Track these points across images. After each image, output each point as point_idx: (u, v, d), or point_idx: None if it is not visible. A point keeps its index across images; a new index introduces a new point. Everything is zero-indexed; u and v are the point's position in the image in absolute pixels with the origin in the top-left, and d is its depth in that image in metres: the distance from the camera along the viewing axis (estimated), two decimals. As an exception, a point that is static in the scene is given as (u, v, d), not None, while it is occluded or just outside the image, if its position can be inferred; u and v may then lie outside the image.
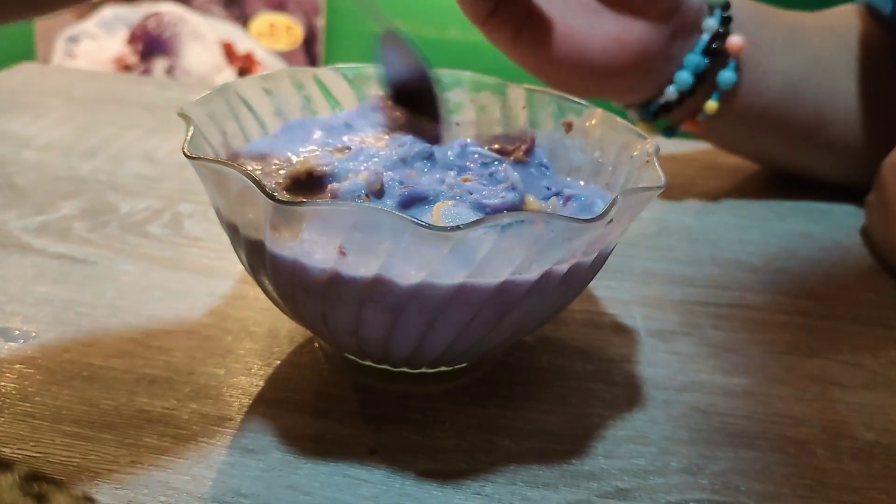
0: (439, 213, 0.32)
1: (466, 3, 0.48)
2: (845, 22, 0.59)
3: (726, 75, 0.52)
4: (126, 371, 0.35)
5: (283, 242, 0.29)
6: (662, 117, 0.55)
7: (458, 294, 0.29)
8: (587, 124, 0.40)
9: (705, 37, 0.52)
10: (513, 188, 0.34)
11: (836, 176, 0.59)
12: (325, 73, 0.41)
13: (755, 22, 0.54)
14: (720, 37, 0.52)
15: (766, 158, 0.61)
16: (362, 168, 0.35)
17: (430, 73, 0.40)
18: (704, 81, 0.52)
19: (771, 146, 0.58)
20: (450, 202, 0.33)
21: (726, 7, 0.52)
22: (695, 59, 0.51)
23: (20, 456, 0.30)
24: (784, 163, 0.60)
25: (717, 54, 0.52)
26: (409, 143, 0.36)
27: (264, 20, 1.40)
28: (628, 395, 0.36)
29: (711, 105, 0.53)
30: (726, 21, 0.52)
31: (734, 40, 0.51)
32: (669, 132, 0.57)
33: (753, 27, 0.53)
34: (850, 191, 0.57)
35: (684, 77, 0.52)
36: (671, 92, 0.53)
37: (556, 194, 0.37)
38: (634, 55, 0.50)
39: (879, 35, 0.58)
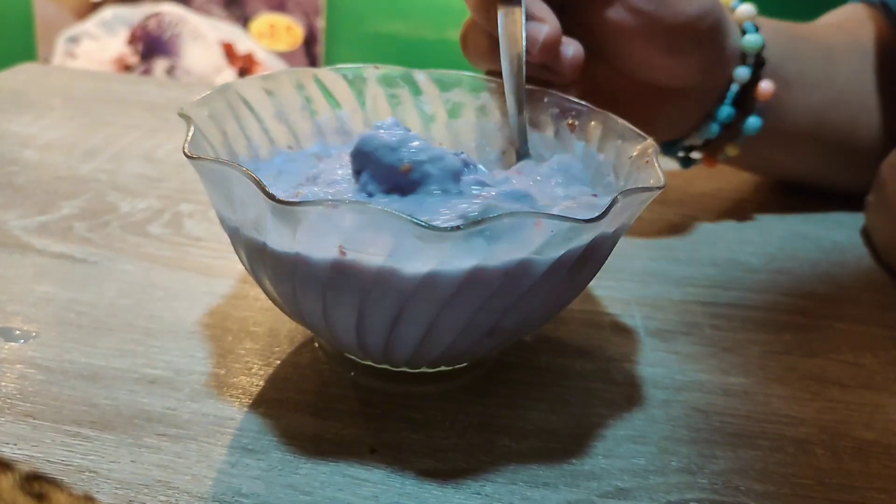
0: None
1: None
2: (868, 35, 0.56)
3: (752, 122, 0.50)
4: (126, 371, 0.35)
5: (283, 242, 0.29)
6: (683, 154, 0.54)
7: (458, 294, 0.29)
8: (587, 125, 0.40)
9: (735, 87, 0.49)
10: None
11: (857, 187, 0.57)
12: (326, 73, 0.41)
13: (788, 57, 0.51)
14: (752, 84, 0.49)
15: (784, 177, 0.60)
16: None
17: None
18: (730, 128, 0.51)
19: (792, 169, 0.57)
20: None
21: (760, 56, 0.49)
22: (725, 110, 0.50)
23: (20, 456, 0.30)
24: (806, 180, 0.59)
25: (745, 102, 0.50)
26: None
27: (264, 20, 1.40)
28: (628, 394, 0.36)
29: (733, 149, 0.52)
30: (759, 65, 0.49)
31: (765, 87, 0.49)
32: (687, 163, 0.55)
33: (786, 63, 0.51)
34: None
35: (714, 129, 0.50)
36: (696, 138, 0.51)
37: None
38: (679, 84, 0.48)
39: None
